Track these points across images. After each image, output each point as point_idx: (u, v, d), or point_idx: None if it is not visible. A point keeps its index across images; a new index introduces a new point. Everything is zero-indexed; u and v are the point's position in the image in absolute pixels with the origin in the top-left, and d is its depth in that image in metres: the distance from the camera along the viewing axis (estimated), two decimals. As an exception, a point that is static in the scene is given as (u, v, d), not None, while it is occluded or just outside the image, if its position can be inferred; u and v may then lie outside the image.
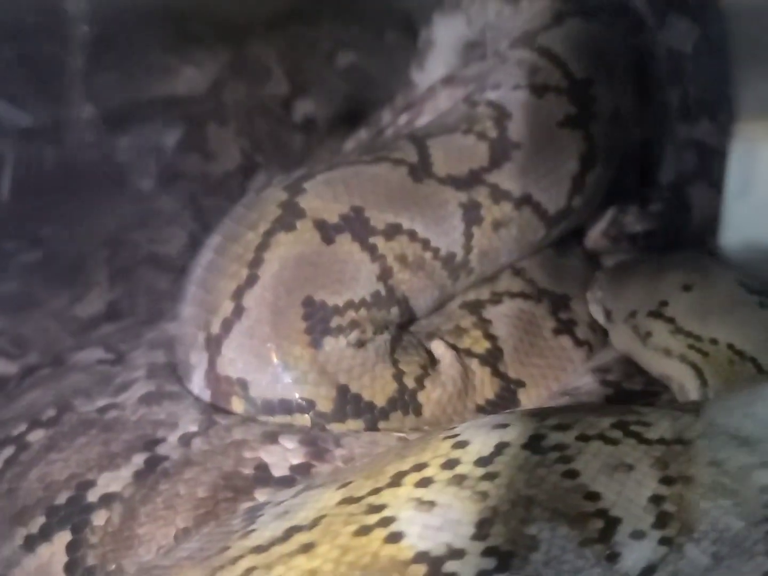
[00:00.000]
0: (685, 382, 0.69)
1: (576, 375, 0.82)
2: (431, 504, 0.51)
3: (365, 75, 1.52)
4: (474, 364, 0.81)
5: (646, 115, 1.06)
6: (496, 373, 0.82)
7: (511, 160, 0.89)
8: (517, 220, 0.88)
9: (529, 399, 0.81)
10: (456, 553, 0.48)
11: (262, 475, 0.65)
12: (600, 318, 0.86)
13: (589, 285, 0.91)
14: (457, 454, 0.54)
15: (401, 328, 0.84)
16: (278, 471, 0.65)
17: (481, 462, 0.53)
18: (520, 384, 0.82)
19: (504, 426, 0.55)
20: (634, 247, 1.06)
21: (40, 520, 0.65)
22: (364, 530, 0.49)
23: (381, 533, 0.49)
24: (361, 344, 0.76)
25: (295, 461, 0.66)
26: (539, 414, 0.57)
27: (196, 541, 0.55)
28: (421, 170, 0.85)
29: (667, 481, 0.53)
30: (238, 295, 0.76)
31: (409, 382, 0.77)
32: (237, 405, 0.74)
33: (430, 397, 0.77)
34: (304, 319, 0.75)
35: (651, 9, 1.08)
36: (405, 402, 0.76)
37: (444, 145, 0.88)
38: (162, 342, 0.85)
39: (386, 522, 0.50)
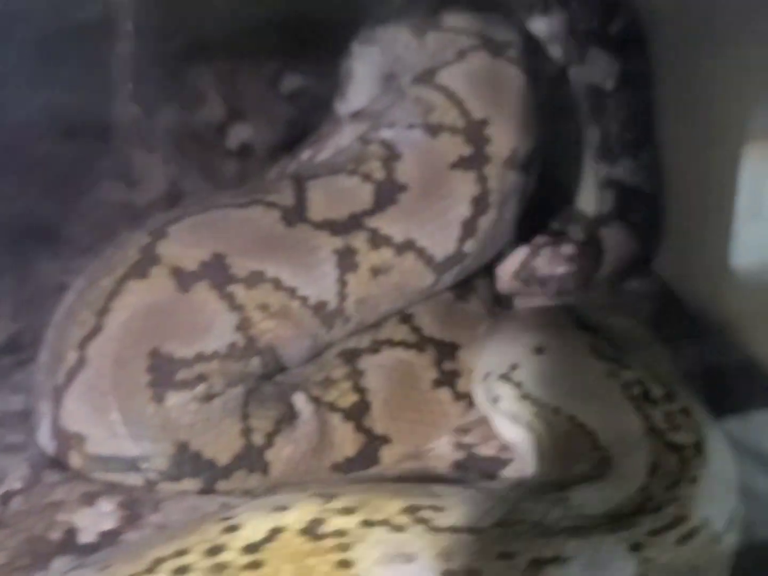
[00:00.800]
0: (525, 453, 0.65)
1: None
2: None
3: (314, 99, 1.49)
4: (336, 419, 0.78)
5: (563, 154, 1.02)
6: (360, 428, 0.78)
7: (395, 203, 0.85)
8: (398, 267, 0.85)
9: (391, 457, 0.78)
10: None
11: (68, 541, 0.62)
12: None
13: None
14: (224, 539, 0.51)
15: (268, 378, 0.81)
16: (86, 537, 0.63)
17: (249, 549, 0.50)
18: (386, 440, 0.79)
19: (284, 509, 0.52)
20: (544, 289, 1.02)
21: None
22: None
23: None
24: (208, 398, 0.74)
25: (106, 527, 0.64)
26: (327, 495, 0.53)
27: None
28: (295, 214, 0.82)
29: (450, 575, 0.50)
30: (83, 344, 0.74)
31: (257, 439, 0.74)
32: (75, 460, 0.72)
33: (280, 454, 0.74)
34: (147, 372, 0.73)
35: (572, 43, 1.04)
36: (251, 460, 0.73)
37: (325, 187, 0.85)
38: (26, 386, 0.83)
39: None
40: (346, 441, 0.77)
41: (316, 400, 0.78)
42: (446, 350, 0.88)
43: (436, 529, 0.52)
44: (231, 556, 0.50)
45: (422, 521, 0.52)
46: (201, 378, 0.73)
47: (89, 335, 0.73)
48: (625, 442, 0.59)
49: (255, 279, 0.78)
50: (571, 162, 1.07)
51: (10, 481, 0.69)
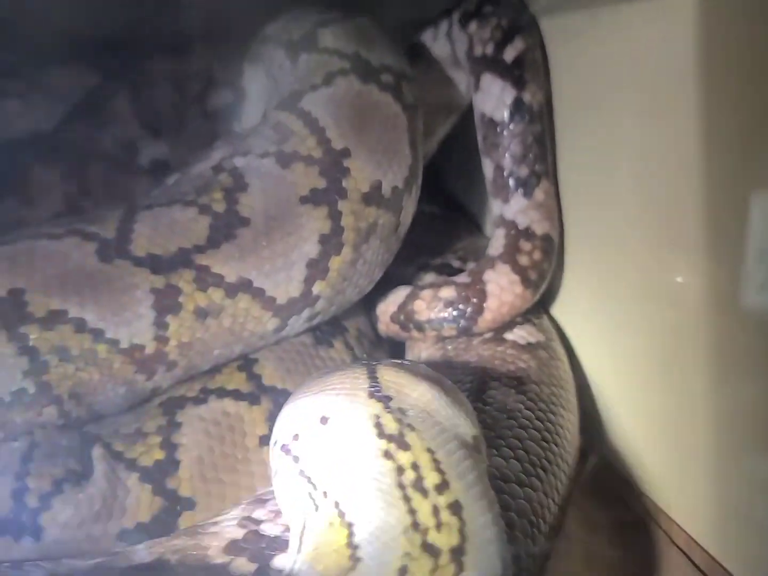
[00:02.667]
0: (291, 539, 0.57)
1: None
2: None
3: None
4: (133, 479, 0.70)
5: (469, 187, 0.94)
6: (161, 490, 0.71)
7: (233, 239, 0.78)
8: (230, 309, 0.77)
9: (193, 523, 0.70)
10: None
11: None
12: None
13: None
14: None
15: (79, 425, 0.74)
16: None
17: None
18: (190, 505, 0.71)
19: None
20: (422, 335, 0.94)
21: None
22: None
23: None
24: (-26, 454, 0.66)
25: None
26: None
27: None
28: (113, 248, 0.75)
29: None
30: None
31: (32, 501, 0.67)
32: None
33: (57, 519, 0.67)
34: None
35: (469, 68, 0.96)
36: (21, 525, 0.66)
37: (156, 219, 0.78)
38: None
39: None
40: (141, 504, 0.70)
41: (117, 456, 0.70)
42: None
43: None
44: None
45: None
46: (-27, 432, 0.66)
47: None
48: (379, 540, 0.51)
49: (54, 319, 0.71)
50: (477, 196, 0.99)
51: None
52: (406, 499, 0.52)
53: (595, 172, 0.88)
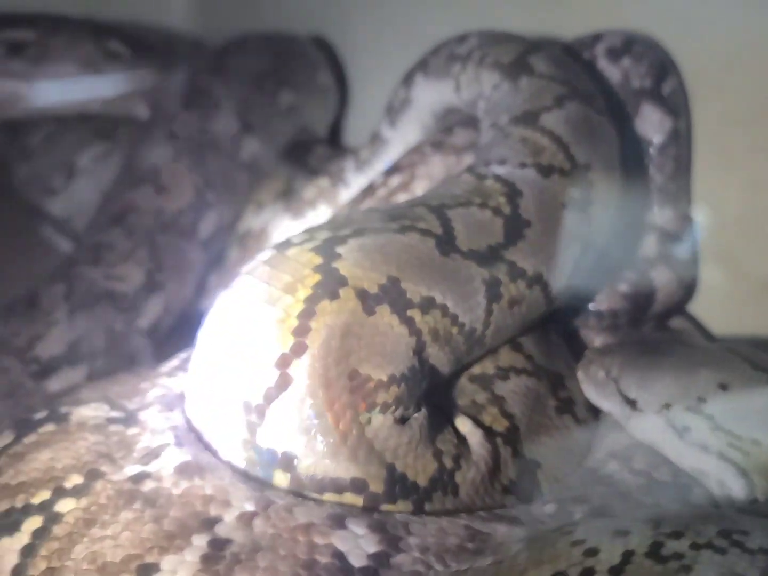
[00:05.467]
0: (725, 479, 0.72)
1: (591, 459, 0.85)
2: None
3: (302, 116, 1.50)
4: (499, 442, 0.82)
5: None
6: (515, 452, 0.83)
7: (524, 238, 0.90)
8: (528, 299, 0.90)
9: (547, 480, 0.83)
10: None
11: (343, 565, 0.62)
12: (600, 400, 0.88)
13: (579, 364, 0.94)
14: (590, 562, 0.54)
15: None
16: (357, 561, 0.63)
17: (614, 571, 0.54)
18: (536, 465, 0.84)
19: (625, 533, 0.56)
20: (599, 324, 1.10)
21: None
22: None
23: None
24: (403, 421, 0.75)
25: (371, 550, 0.64)
26: (651, 520, 0.58)
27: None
28: (446, 243, 0.85)
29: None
30: (283, 363, 0.73)
31: (448, 462, 0.77)
32: (280, 480, 0.71)
33: (466, 477, 0.77)
34: (350, 393, 0.73)
35: (627, 98, 1.13)
36: (444, 482, 0.76)
37: (463, 218, 0.88)
38: (172, 402, 0.80)
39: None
40: (508, 464, 0.81)
41: (479, 425, 0.81)
42: (556, 379, 0.94)
43: (750, 551, 0.58)
44: (601, 577, 0.54)
45: (737, 544, 0.58)
46: (397, 401, 0.75)
47: (290, 355, 0.73)
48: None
49: (427, 305, 0.80)
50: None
51: (238, 502, 0.67)
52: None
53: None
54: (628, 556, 0.55)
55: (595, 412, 0.93)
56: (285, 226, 1.24)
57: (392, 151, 1.20)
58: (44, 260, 1.51)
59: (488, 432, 0.82)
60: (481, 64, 1.07)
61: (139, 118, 1.60)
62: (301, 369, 0.73)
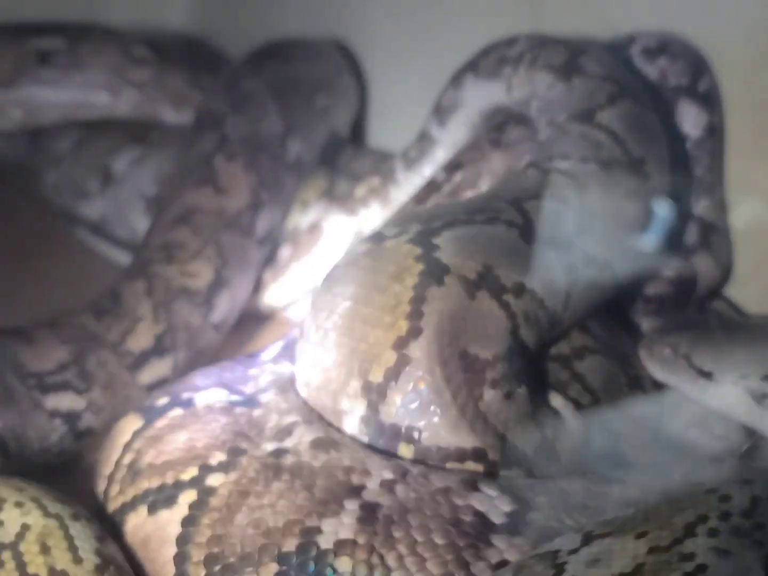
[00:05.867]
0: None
1: (669, 429, 0.92)
2: (727, 553, 0.58)
3: (333, 118, 1.56)
4: (585, 414, 0.88)
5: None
6: (601, 423, 0.89)
7: (592, 227, 0.97)
8: (598, 283, 0.97)
9: (632, 449, 0.89)
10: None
11: (485, 523, 0.69)
12: (667, 376, 0.96)
13: (641, 344, 1.01)
14: (725, 507, 0.61)
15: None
16: (497, 518, 0.69)
17: (746, 514, 0.61)
18: (620, 435, 0.90)
19: (749, 482, 0.63)
20: (646, 307, 1.17)
21: (273, 567, 0.66)
22: (690, 577, 0.56)
23: (703, 580, 0.56)
24: (509, 396, 0.82)
25: (506, 509, 0.71)
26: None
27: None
28: (528, 233, 0.92)
29: None
30: (400, 345, 0.79)
31: (548, 432, 0.83)
32: (405, 450, 0.78)
33: (565, 446, 0.84)
34: (464, 371, 0.80)
35: (666, 95, 1.21)
36: (548, 451, 0.82)
37: (538, 209, 0.95)
38: (285, 385, 0.86)
39: (702, 569, 0.57)
40: (596, 434, 0.88)
41: (569, 399, 0.88)
42: (623, 357, 1.01)
43: None
44: (738, 520, 0.61)
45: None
46: (503, 377, 0.82)
47: (406, 337, 0.79)
48: None
49: (519, 290, 0.87)
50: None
51: (377, 470, 0.73)
52: None
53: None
54: (756, 500, 0.62)
55: (659, 388, 1.00)
56: (339, 223, 1.29)
57: (441, 150, 1.26)
58: (81, 260, 1.57)
59: (576, 405, 0.89)
60: (532, 65, 1.14)
61: (167, 121, 1.65)
62: (419, 350, 0.79)
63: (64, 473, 0.90)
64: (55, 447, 0.92)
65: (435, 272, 0.83)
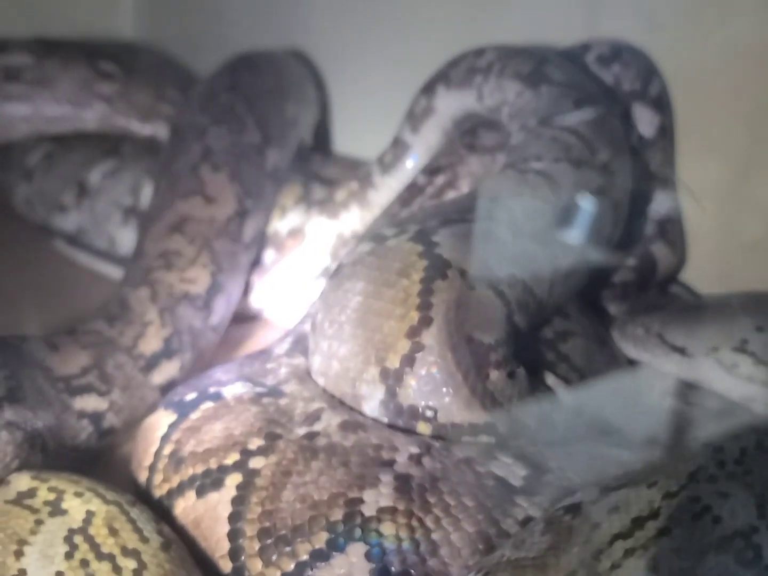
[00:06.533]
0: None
1: (647, 399, 1.02)
2: (726, 495, 0.68)
3: (301, 126, 1.64)
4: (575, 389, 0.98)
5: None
6: (589, 397, 0.99)
7: (569, 221, 1.07)
8: (578, 271, 1.07)
9: (619, 417, 0.99)
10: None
11: (506, 486, 0.78)
12: (640, 353, 1.06)
13: (614, 326, 1.11)
14: (720, 456, 0.71)
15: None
16: (516, 482, 0.78)
17: (738, 462, 0.71)
18: (605, 406, 1.00)
19: (737, 436, 0.74)
20: (613, 293, 1.28)
21: (323, 535, 0.74)
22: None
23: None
24: (511, 375, 0.91)
25: (522, 473, 0.80)
26: (749, 425, 0.75)
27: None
28: (514, 228, 1.01)
29: None
30: (413, 334, 0.88)
31: (546, 407, 0.92)
32: (424, 428, 0.86)
33: (560, 419, 0.93)
34: (471, 355, 0.88)
35: (620, 99, 1.31)
36: (546, 424, 0.91)
37: (521, 207, 1.05)
38: (304, 377, 0.94)
39: (707, 509, 0.66)
40: (586, 407, 0.98)
41: (559, 377, 0.98)
42: (599, 339, 1.11)
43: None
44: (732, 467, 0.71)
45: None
46: (505, 359, 0.91)
47: (418, 326, 0.88)
48: None
49: (512, 280, 0.96)
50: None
51: (403, 446, 0.81)
52: None
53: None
54: (744, 450, 0.72)
55: (633, 365, 1.10)
56: (321, 226, 1.37)
57: (414, 154, 1.35)
58: (61, 270, 1.62)
59: (566, 382, 0.98)
60: (502, 74, 1.23)
61: (136, 133, 1.71)
62: (430, 337, 0.87)
63: (91, 470, 0.95)
64: (83, 445, 0.98)
65: (438, 267, 0.91)
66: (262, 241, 1.41)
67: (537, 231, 1.02)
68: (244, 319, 1.39)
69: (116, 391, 1.02)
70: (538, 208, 1.05)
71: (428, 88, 1.32)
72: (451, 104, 1.30)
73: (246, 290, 1.37)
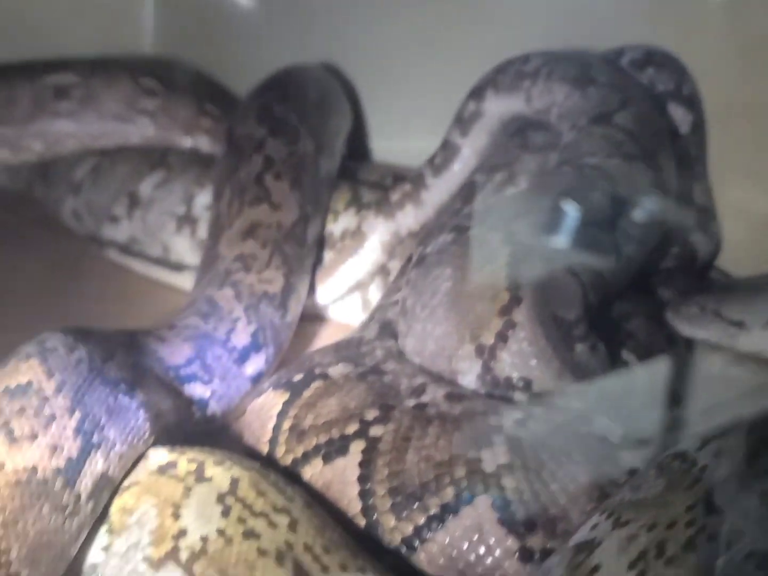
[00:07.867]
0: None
1: (711, 369, 1.11)
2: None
3: (342, 136, 1.73)
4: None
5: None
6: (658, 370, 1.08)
7: (626, 212, 1.16)
8: (635, 257, 1.16)
9: (687, 387, 1.08)
10: None
11: (608, 442, 0.86)
12: (696, 331, 1.15)
13: (668, 308, 1.20)
14: None
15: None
16: (616, 439, 0.87)
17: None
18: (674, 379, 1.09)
19: None
20: (660, 279, 1.37)
21: (450, 490, 0.82)
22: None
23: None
24: (593, 348, 0.99)
25: (619, 431, 0.88)
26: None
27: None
28: (583, 218, 1.10)
29: None
30: (505, 312, 0.96)
31: (624, 379, 1.01)
32: (519, 398, 0.95)
33: (637, 390, 1.02)
34: (558, 329, 0.97)
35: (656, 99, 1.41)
36: (627, 395, 1.00)
37: (582, 200, 1.13)
38: (398, 357, 1.02)
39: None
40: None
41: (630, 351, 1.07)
42: (656, 318, 1.20)
43: None
44: None
45: None
46: (586, 334, 0.99)
47: (508, 306, 0.96)
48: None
49: (586, 263, 1.05)
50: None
51: (508, 412, 0.90)
52: None
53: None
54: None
55: (689, 343, 1.19)
56: (378, 226, 1.46)
57: (463, 156, 1.43)
58: (116, 277, 1.69)
59: (638, 357, 1.07)
60: (550, 78, 1.32)
61: (179, 146, 1.79)
62: (522, 315, 0.96)
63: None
64: (191, 430, 1.06)
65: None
66: (321, 243, 1.49)
67: (599, 220, 1.11)
68: (307, 317, 1.46)
69: (216, 380, 1.09)
70: (596, 199, 1.14)
71: (477, 93, 1.41)
72: (499, 107, 1.39)
73: (310, 290, 1.45)
